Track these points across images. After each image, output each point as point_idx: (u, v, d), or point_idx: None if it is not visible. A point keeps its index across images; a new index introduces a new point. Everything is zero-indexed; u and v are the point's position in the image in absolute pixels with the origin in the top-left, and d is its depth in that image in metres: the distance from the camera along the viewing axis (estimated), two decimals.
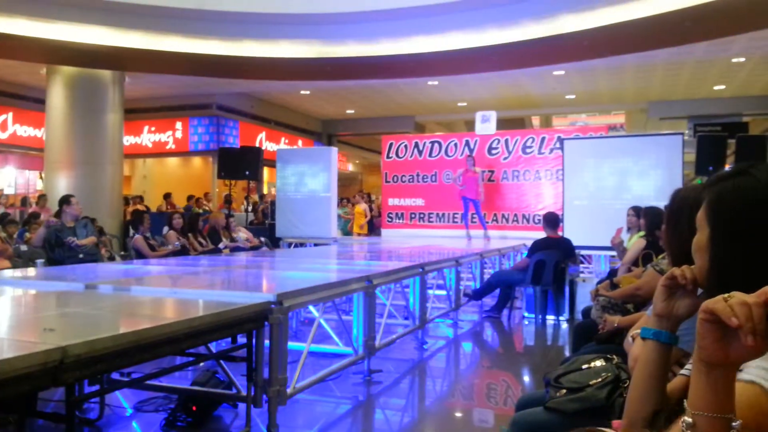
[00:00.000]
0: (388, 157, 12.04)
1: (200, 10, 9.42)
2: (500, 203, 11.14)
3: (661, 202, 5.29)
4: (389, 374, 4.64)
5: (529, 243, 7.42)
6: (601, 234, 6.85)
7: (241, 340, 3.05)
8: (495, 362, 5.65)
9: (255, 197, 14.95)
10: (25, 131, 14.81)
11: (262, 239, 10.33)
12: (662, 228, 2.06)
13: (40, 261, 6.30)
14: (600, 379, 2.15)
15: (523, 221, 10.98)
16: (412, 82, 14.25)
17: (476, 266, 8.05)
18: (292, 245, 10.68)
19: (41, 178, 14.12)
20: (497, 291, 7.20)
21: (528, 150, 11.01)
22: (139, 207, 13.79)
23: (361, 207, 14.12)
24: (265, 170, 16.04)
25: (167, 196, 14.89)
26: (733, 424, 0.83)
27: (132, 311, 2.92)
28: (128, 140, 15.86)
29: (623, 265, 5.11)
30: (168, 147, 17.14)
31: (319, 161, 10.82)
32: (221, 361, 3.36)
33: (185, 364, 3.43)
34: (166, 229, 8.54)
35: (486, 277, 7.88)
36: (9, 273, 4.40)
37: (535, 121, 22.23)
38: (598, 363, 2.26)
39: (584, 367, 2.27)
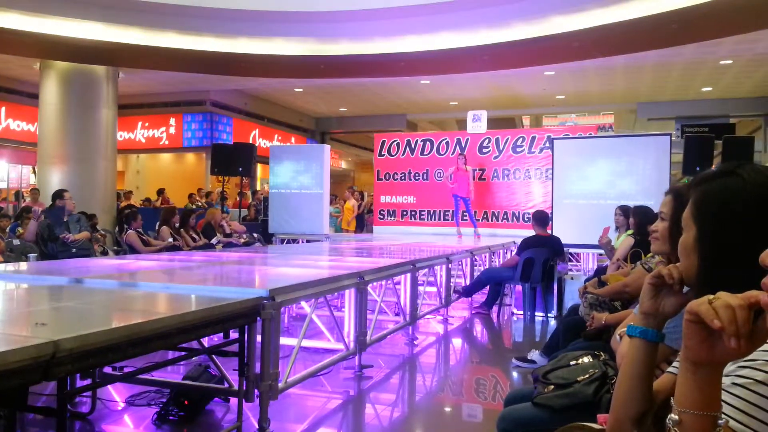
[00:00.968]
0: (380, 154, 12.08)
1: (195, 7, 9.42)
2: (490, 201, 11.21)
3: (649, 202, 5.35)
4: (380, 369, 4.67)
5: (519, 241, 7.48)
6: (590, 232, 6.93)
7: (233, 335, 3.07)
8: (484, 358, 5.70)
9: (248, 194, 14.94)
10: (18, 126, 14.74)
11: (255, 235, 10.34)
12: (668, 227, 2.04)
13: (32, 255, 6.30)
14: (587, 376, 2.18)
15: (513, 219, 11.05)
16: (404, 81, 14.28)
17: (466, 263, 8.10)
18: (285, 241, 10.70)
19: (34, 172, 14.06)
20: (487, 288, 7.26)
21: (518, 149, 11.08)
22: (131, 202, 13.77)
23: (351, 203, 14.14)
24: (259, 167, 16.04)
25: (161, 192, 14.86)
26: (719, 421, 0.84)
27: (124, 306, 2.93)
28: (122, 136, 15.81)
29: (613, 263, 5.16)
30: (161, 143, 17.10)
31: (311, 158, 10.85)
32: (213, 356, 3.38)
33: (177, 359, 3.45)
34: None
35: (476, 274, 7.93)
36: (1, 267, 4.39)
37: (526, 120, 22.34)
38: (586, 359, 2.30)
39: (572, 363, 2.30)
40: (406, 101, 17.10)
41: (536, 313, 7.01)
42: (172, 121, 16.84)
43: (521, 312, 7.08)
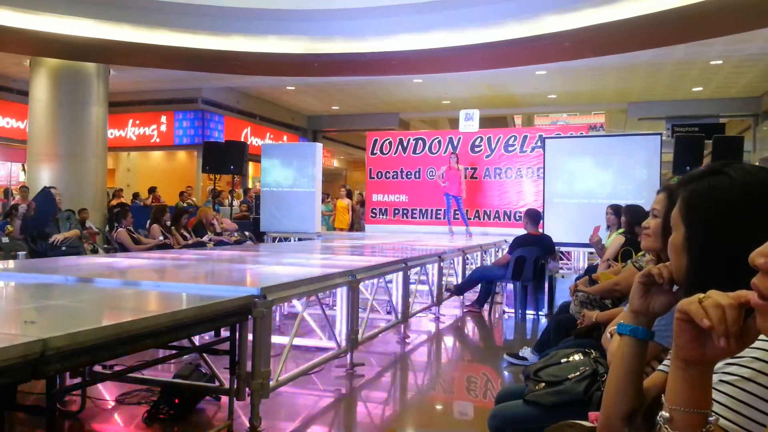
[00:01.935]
0: (372, 153, 12.08)
1: (187, 4, 9.37)
2: (482, 200, 11.24)
3: (640, 201, 5.38)
4: (372, 368, 4.67)
5: (510, 239, 7.50)
6: (580, 231, 6.95)
7: (225, 333, 3.06)
8: (475, 356, 5.72)
9: (239, 191, 14.90)
10: (8, 123, 14.63)
11: (247, 233, 10.32)
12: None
13: (22, 253, 6.25)
14: (578, 373, 2.19)
15: (505, 218, 11.09)
16: (397, 80, 14.27)
17: (458, 262, 8.11)
18: (277, 240, 10.68)
19: (24, 170, 13.97)
20: (479, 286, 7.27)
21: (510, 148, 11.12)
22: (122, 200, 13.71)
23: (344, 202, 14.13)
24: (250, 165, 15.99)
25: (152, 190, 14.79)
26: (710, 419, 0.85)
27: (114, 304, 2.92)
28: (112, 133, 15.70)
29: (603, 261, 5.18)
30: (153, 141, 17.00)
31: (304, 157, 10.83)
32: (204, 354, 3.37)
33: (168, 357, 3.43)
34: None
35: (468, 272, 7.95)
36: None
37: (518, 119, 22.39)
38: (577, 357, 2.31)
39: (563, 361, 2.31)
40: (398, 100, 17.10)
41: (527, 311, 7.04)
42: (164, 118, 16.74)
43: (512, 310, 7.10)
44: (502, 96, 16.21)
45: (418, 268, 6.13)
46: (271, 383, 3.19)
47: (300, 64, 11.23)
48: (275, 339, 3.58)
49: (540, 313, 7.02)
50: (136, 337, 2.28)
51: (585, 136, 10.72)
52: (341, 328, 4.35)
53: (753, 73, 13.35)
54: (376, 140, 12.09)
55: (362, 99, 17.11)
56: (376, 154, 12.04)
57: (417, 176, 11.72)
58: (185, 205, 12.18)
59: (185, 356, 3.83)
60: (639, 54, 11.22)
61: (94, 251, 8.15)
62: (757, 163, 11.01)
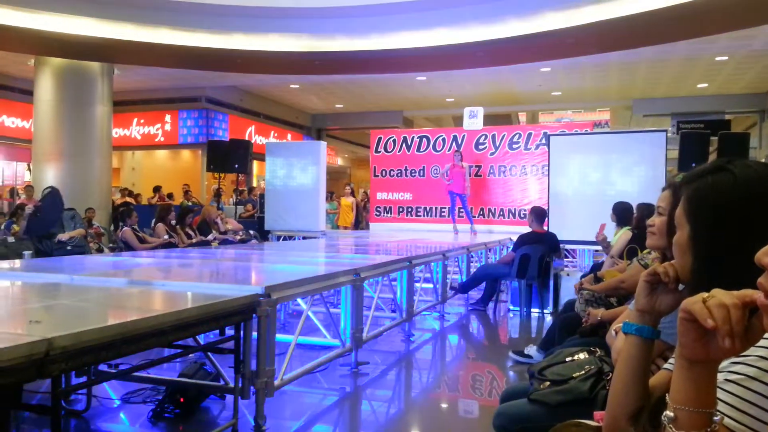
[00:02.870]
0: (376, 151, 12.07)
1: (190, 3, 9.38)
2: (487, 198, 11.22)
3: (645, 198, 5.36)
4: (376, 366, 4.67)
5: (515, 237, 7.49)
6: (586, 229, 6.91)
7: (229, 332, 3.06)
8: (480, 355, 5.71)
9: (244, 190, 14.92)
10: (12, 122, 14.70)
11: (251, 232, 10.33)
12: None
13: (27, 252, 6.28)
14: (583, 372, 2.18)
15: (509, 216, 11.06)
16: (400, 78, 14.26)
17: (463, 260, 8.11)
18: (281, 238, 10.69)
19: (29, 169, 14.02)
20: (483, 284, 7.26)
21: (514, 145, 11.09)
22: (128, 199, 13.73)
23: (349, 200, 14.13)
24: (255, 164, 16.01)
25: (157, 189, 14.82)
26: (715, 418, 0.84)
27: (119, 303, 2.92)
28: (117, 132, 15.74)
29: (610, 258, 5.17)
30: (157, 139, 17.05)
31: (308, 155, 10.82)
32: (209, 353, 3.38)
33: (173, 356, 3.43)
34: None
35: (472, 270, 7.94)
36: None
37: (522, 117, 22.32)
38: (582, 356, 2.29)
39: (568, 359, 2.30)
40: (402, 98, 17.08)
41: (532, 310, 7.03)
42: (168, 117, 16.78)
43: (517, 308, 7.08)
44: (506, 93, 16.17)
45: (423, 266, 6.12)
46: (276, 382, 3.19)
47: (302, 63, 11.23)
48: (280, 337, 3.58)
49: (545, 311, 7.00)
50: (141, 337, 2.28)
51: (590, 133, 10.66)
52: (346, 326, 4.35)
53: (759, 68, 13.28)
54: (380, 138, 12.09)
55: (366, 97, 17.11)
56: (380, 152, 12.04)
57: (421, 174, 11.71)
58: (190, 204, 12.20)
59: (190, 355, 3.84)
60: (643, 50, 11.18)
61: (99, 250, 8.17)
62: (763, 160, 10.97)
